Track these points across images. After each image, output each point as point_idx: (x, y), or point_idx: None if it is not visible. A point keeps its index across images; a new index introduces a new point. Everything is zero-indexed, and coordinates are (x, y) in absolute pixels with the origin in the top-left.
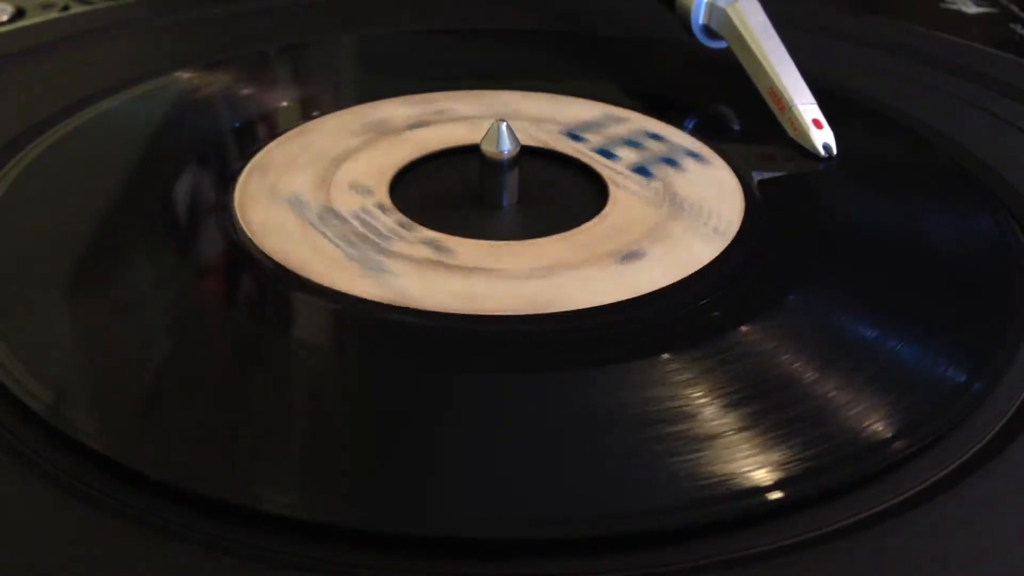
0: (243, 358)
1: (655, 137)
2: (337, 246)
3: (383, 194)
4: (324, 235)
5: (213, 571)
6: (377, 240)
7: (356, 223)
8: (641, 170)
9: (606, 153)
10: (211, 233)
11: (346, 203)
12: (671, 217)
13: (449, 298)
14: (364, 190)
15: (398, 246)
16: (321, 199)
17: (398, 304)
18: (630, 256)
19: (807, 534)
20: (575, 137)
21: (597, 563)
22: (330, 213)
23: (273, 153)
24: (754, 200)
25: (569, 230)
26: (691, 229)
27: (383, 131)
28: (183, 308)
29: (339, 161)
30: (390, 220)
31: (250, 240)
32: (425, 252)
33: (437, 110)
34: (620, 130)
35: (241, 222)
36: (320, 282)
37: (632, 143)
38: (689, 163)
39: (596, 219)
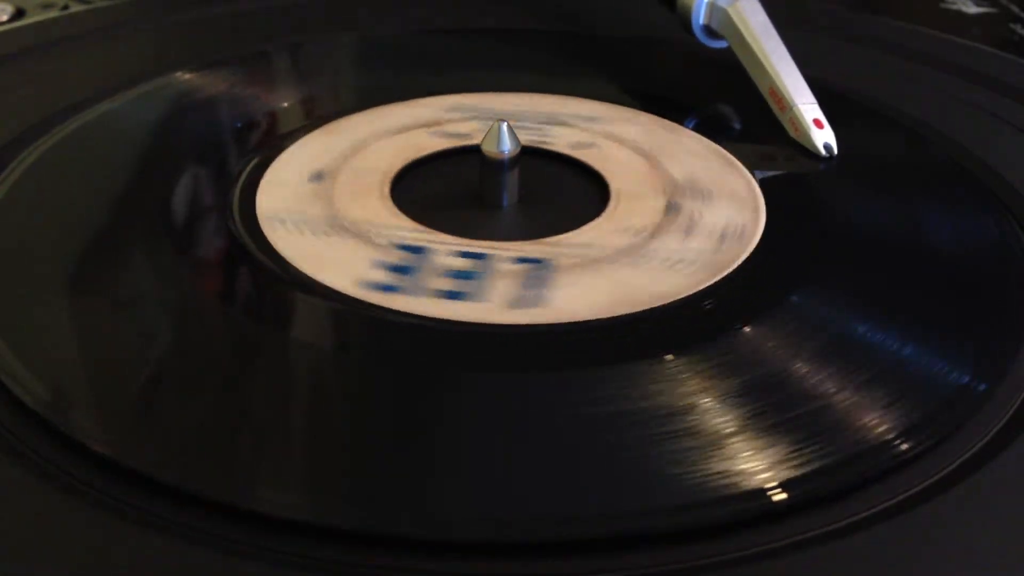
0: (235, 344)
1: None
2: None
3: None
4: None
5: (213, 571)
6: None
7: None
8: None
9: None
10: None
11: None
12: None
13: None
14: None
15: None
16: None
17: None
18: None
19: (807, 534)
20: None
21: (597, 563)
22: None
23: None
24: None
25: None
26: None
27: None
28: (182, 297)
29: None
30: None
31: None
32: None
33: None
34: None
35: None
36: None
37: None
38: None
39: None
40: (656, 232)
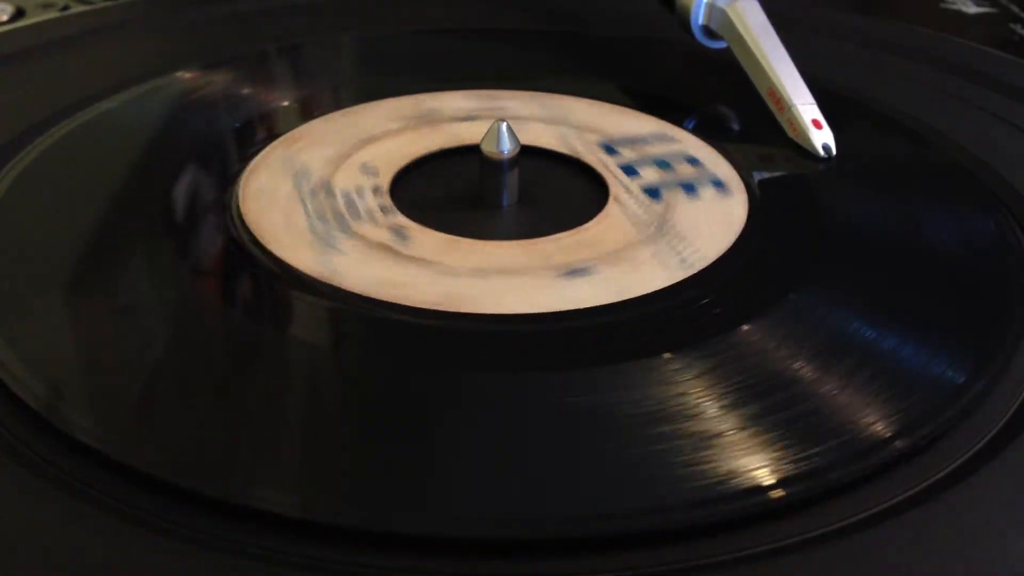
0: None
1: (692, 161)
2: (309, 218)
3: (387, 178)
4: (304, 206)
5: (213, 571)
6: (349, 219)
7: (342, 201)
8: (652, 191)
9: (629, 169)
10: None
11: (346, 181)
12: (647, 241)
13: (375, 284)
14: (372, 171)
15: (364, 228)
16: (326, 173)
17: (324, 280)
18: (575, 272)
19: (807, 534)
20: (609, 150)
21: (597, 563)
22: (324, 188)
23: (314, 127)
24: (748, 236)
25: (541, 236)
26: (658, 256)
27: (429, 120)
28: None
29: (367, 142)
30: (374, 203)
31: (238, 204)
32: (384, 236)
33: (496, 107)
34: (660, 149)
35: (240, 186)
36: (267, 246)
37: (663, 164)
38: (708, 193)
39: (572, 231)
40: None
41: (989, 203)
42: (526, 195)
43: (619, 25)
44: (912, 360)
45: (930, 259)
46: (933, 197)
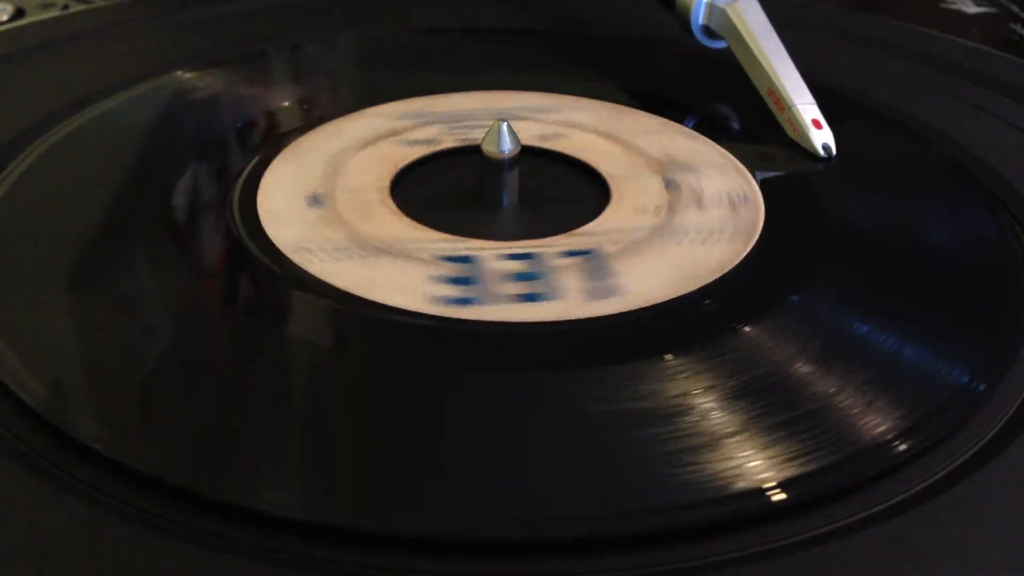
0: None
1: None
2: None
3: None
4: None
5: (213, 571)
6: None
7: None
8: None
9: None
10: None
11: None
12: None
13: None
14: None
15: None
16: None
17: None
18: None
19: (807, 534)
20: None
21: (597, 563)
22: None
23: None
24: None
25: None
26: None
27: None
28: (183, 297)
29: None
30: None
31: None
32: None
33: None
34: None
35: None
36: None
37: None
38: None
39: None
40: (672, 208)
41: (989, 203)
42: (525, 195)
43: (619, 25)
44: (912, 360)
45: (930, 259)
46: (933, 197)
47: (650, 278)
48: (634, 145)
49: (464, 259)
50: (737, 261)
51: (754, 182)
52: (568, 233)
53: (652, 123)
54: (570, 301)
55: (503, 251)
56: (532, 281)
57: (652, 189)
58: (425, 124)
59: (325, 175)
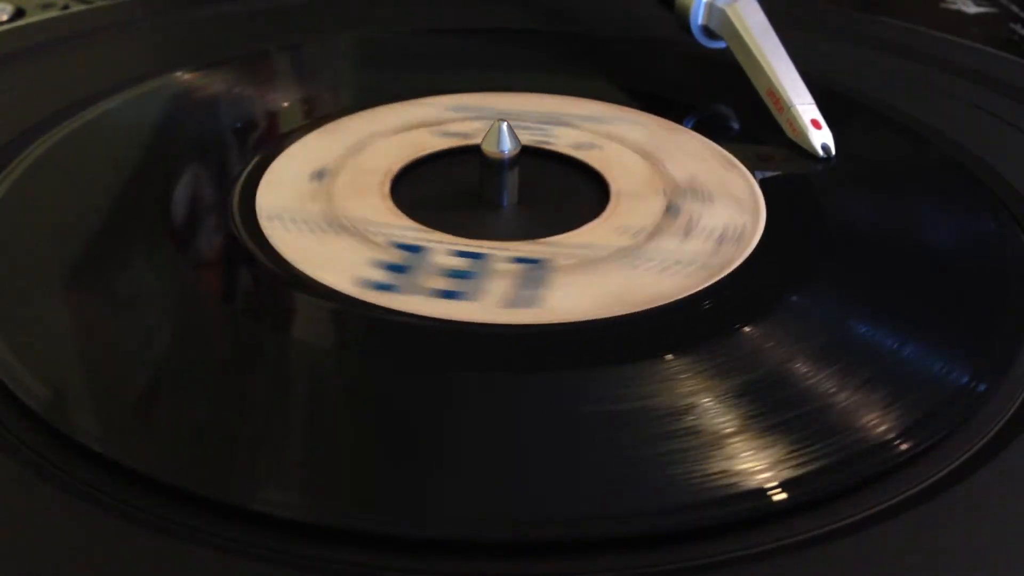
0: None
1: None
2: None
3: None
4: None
5: (213, 571)
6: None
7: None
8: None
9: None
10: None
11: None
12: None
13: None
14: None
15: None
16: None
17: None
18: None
19: (807, 534)
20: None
21: (597, 563)
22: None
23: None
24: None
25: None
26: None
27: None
28: (182, 297)
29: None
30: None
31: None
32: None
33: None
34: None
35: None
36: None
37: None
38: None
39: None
40: (655, 233)
41: (989, 203)
42: (526, 198)
43: (619, 25)
44: (912, 360)
45: (930, 259)
46: (932, 197)
47: (579, 297)
48: (663, 165)
49: (414, 248)
50: (677, 296)
51: (763, 217)
52: (534, 240)
53: (698, 146)
54: (485, 305)
55: (456, 247)
56: (463, 280)
57: (650, 211)
58: (470, 119)
59: (345, 153)
